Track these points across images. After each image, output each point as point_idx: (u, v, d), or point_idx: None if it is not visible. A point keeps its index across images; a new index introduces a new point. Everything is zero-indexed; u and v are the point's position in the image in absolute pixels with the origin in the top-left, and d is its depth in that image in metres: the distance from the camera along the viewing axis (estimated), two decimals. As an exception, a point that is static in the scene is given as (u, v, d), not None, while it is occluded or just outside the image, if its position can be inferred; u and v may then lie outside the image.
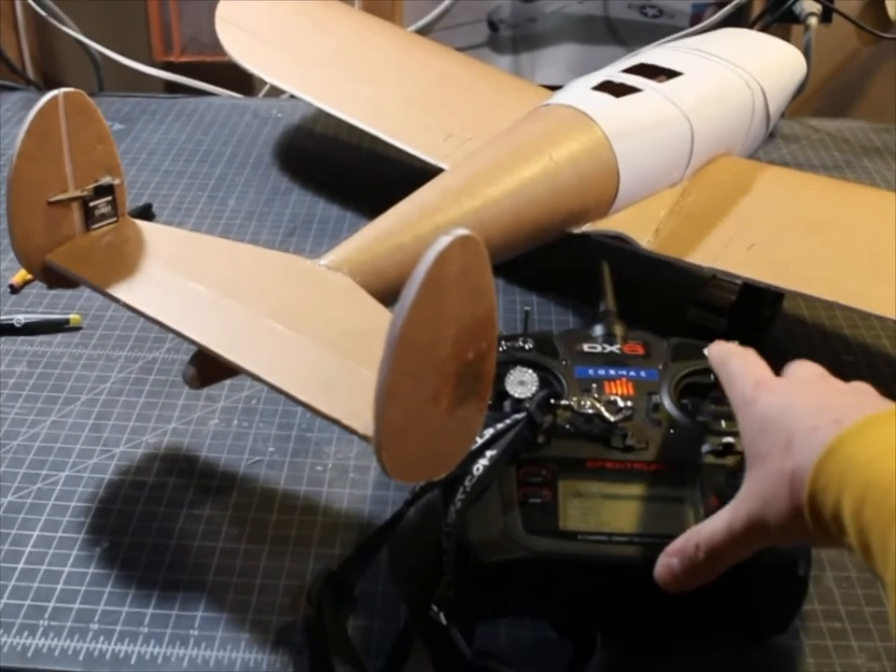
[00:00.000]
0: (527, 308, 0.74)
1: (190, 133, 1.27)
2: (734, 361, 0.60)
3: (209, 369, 0.63)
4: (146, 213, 1.07)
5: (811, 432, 0.50)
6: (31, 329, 0.90)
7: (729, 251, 0.83)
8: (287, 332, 0.60)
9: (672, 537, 0.58)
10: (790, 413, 0.53)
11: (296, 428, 0.79)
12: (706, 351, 0.65)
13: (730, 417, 0.62)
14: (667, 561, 0.55)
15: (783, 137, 1.27)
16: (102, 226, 0.70)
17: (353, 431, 0.53)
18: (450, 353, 0.50)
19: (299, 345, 0.59)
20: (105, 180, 0.69)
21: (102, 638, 0.63)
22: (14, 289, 0.95)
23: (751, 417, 0.55)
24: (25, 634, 0.63)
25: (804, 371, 0.58)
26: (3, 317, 0.90)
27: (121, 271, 0.66)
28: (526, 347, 0.68)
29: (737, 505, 0.53)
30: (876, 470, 0.46)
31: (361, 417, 0.51)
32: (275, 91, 1.42)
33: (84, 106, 0.67)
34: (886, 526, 0.44)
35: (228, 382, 0.79)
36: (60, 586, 0.67)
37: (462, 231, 0.48)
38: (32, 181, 0.65)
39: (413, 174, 0.95)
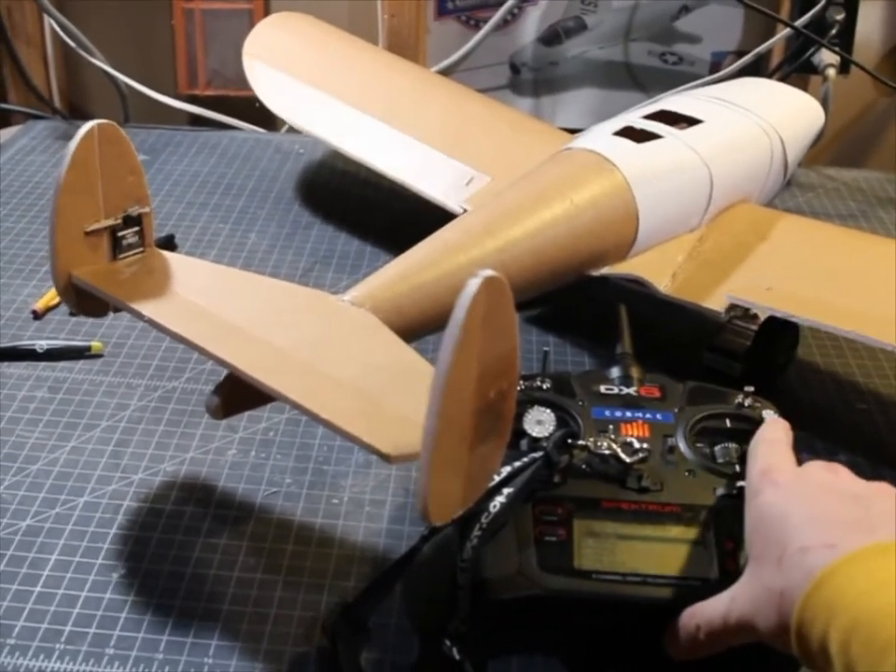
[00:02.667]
0: (546, 349, 0.75)
1: (214, 165, 1.28)
2: (761, 447, 0.60)
3: (232, 398, 0.64)
4: (168, 243, 1.08)
5: (803, 553, 0.50)
6: (52, 355, 0.91)
7: (745, 296, 0.84)
8: (311, 364, 0.60)
9: (685, 578, 0.59)
10: (786, 520, 0.52)
11: (313, 461, 0.80)
12: (764, 414, 0.65)
13: (745, 460, 0.63)
14: (672, 633, 0.57)
15: (799, 185, 1.28)
16: (129, 255, 0.71)
17: (374, 450, 0.53)
18: (474, 392, 0.51)
19: (322, 377, 0.59)
20: (134, 210, 0.70)
21: (117, 664, 0.64)
22: (37, 315, 0.96)
23: (752, 510, 0.55)
24: (41, 657, 0.64)
25: (814, 468, 0.57)
26: (25, 343, 0.91)
27: (147, 294, 0.67)
28: (544, 387, 0.68)
29: (734, 599, 0.54)
30: (865, 606, 0.45)
31: (382, 440, 0.52)
32: (298, 127, 1.45)
33: (117, 138, 0.68)
34: (874, 663, 0.44)
35: (247, 414, 0.80)
36: (76, 610, 0.67)
37: (488, 272, 0.49)
38: (72, 212, 0.66)
39: (433, 211, 0.96)
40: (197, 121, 1.46)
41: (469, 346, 0.48)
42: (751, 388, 0.67)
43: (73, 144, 0.65)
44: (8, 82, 1.45)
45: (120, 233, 0.70)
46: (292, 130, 1.45)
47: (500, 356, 0.52)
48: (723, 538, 0.60)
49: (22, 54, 1.44)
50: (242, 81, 1.22)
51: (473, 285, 0.48)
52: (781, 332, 0.88)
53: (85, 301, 0.69)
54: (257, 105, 1.19)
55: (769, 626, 0.51)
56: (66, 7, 1.45)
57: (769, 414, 0.65)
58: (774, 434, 0.62)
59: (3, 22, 1.42)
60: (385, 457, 0.52)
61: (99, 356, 0.91)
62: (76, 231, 0.67)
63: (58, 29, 1.42)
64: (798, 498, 0.54)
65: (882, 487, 0.54)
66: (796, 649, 0.49)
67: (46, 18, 1.44)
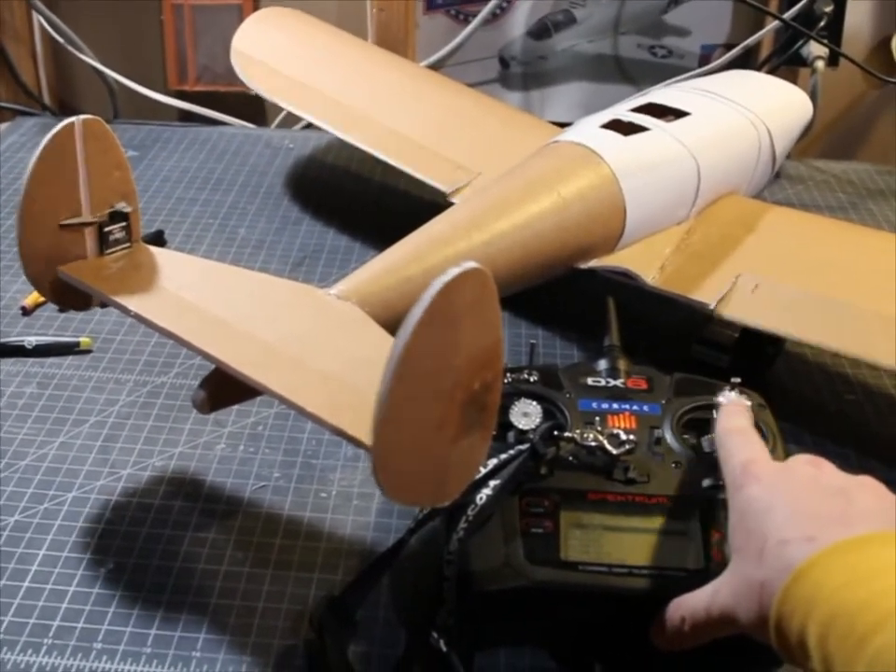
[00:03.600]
0: (533, 341, 0.75)
1: (203, 161, 1.28)
2: (729, 441, 0.60)
3: (219, 393, 0.64)
4: (157, 239, 1.08)
5: (782, 546, 0.50)
6: (41, 351, 0.91)
7: (733, 293, 0.84)
8: (297, 357, 0.61)
9: (671, 569, 0.59)
10: (768, 512, 0.52)
11: (301, 455, 0.80)
12: (719, 399, 0.65)
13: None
14: (659, 624, 0.57)
15: (788, 178, 1.28)
16: (115, 251, 0.71)
17: (356, 441, 0.54)
18: (456, 382, 0.51)
19: (308, 370, 0.59)
20: (121, 206, 0.70)
21: (105, 658, 0.64)
22: (26, 312, 0.96)
23: (736, 503, 0.55)
24: (29, 651, 0.64)
25: (797, 462, 0.57)
26: (14, 339, 0.91)
27: (134, 289, 0.67)
28: (531, 380, 0.68)
29: (717, 591, 0.54)
30: (843, 599, 0.46)
31: (366, 432, 0.52)
32: (288, 122, 1.45)
33: (102, 133, 0.68)
34: (850, 656, 0.44)
35: (235, 408, 0.80)
36: (64, 605, 0.67)
37: (472, 264, 0.49)
38: (43, 203, 0.67)
39: (422, 206, 0.96)
40: (187, 117, 1.46)
41: (442, 332, 0.49)
42: (738, 379, 0.67)
43: (49, 135, 0.65)
44: (-3, 79, 1.45)
45: (107, 229, 0.70)
46: (282, 125, 1.46)
47: (484, 347, 0.52)
48: (710, 529, 0.60)
49: (11, 50, 1.43)
50: (231, 76, 1.22)
51: (450, 273, 0.48)
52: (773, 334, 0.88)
53: (66, 294, 0.69)
54: (252, 93, 1.18)
55: (750, 618, 0.51)
56: (55, 4, 1.44)
57: (727, 397, 0.65)
58: (740, 422, 0.62)
59: (-9, 19, 1.42)
60: (369, 449, 0.52)
61: (88, 351, 0.91)
62: (47, 222, 0.67)
63: (47, 25, 1.42)
64: (780, 492, 0.54)
65: (864, 481, 0.54)
66: (775, 642, 0.49)
67: (34, 14, 1.43)
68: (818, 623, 0.46)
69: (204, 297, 0.67)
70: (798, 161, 1.33)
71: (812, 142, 1.40)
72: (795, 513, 0.51)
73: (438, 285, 0.48)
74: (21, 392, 0.86)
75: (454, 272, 0.48)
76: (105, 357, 0.91)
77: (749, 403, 0.64)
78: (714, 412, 0.65)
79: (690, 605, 0.55)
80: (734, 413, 0.63)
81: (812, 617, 0.46)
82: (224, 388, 0.63)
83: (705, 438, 0.65)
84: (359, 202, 1.20)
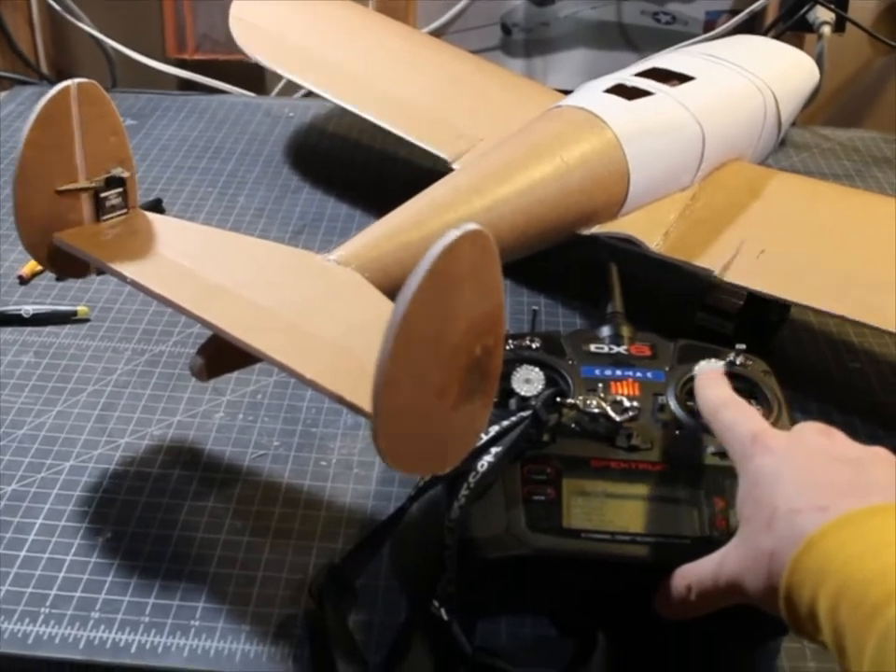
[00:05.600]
0: (535, 307, 0.74)
1: (202, 129, 1.27)
2: (726, 413, 0.59)
3: (216, 360, 0.63)
4: (156, 207, 1.07)
5: (793, 514, 0.49)
6: (39, 320, 0.90)
7: (738, 259, 0.83)
8: (295, 323, 0.60)
9: (675, 537, 0.58)
10: (779, 482, 0.52)
11: (301, 423, 0.79)
12: (695, 370, 0.64)
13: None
14: (664, 593, 0.56)
15: (794, 145, 1.27)
16: (112, 217, 0.70)
17: (356, 408, 0.53)
18: (457, 347, 0.50)
19: (306, 335, 0.59)
20: (117, 172, 0.69)
21: (102, 627, 0.63)
22: (23, 280, 0.95)
23: (746, 474, 0.54)
24: (26, 621, 0.64)
25: (809, 431, 0.56)
26: (11, 308, 0.90)
27: (131, 255, 0.66)
28: (533, 346, 0.68)
29: (724, 560, 0.53)
30: (855, 570, 0.45)
31: (365, 398, 0.51)
32: (288, 91, 1.43)
33: (98, 98, 0.67)
34: (862, 627, 0.43)
35: (234, 376, 0.80)
36: (62, 574, 0.67)
37: (472, 226, 0.48)
38: (39, 169, 0.65)
39: (422, 174, 0.95)
40: (186, 86, 1.44)
41: (442, 296, 0.48)
42: (743, 346, 0.66)
43: (44, 99, 0.64)
44: (-6, 47, 1.44)
45: (103, 195, 0.69)
46: (282, 93, 1.44)
47: (485, 311, 0.51)
48: (713, 496, 0.60)
49: (8, 19, 1.42)
50: (231, 45, 1.21)
51: (451, 236, 0.47)
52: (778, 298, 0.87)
53: (62, 262, 0.68)
54: (252, 61, 1.17)
55: (758, 588, 0.50)
56: (52, -29, 1.43)
57: (702, 367, 0.65)
58: (725, 391, 0.61)
59: (-13, -13, 1.41)
60: (368, 415, 0.52)
61: (86, 320, 0.90)
62: (43, 188, 0.66)
63: (43, -7, 1.41)
64: (791, 462, 0.53)
65: (878, 451, 0.53)
66: (785, 613, 0.48)
67: (31, -19, 1.42)
68: (828, 594, 0.45)
69: (202, 263, 0.66)
70: (803, 129, 1.32)
71: (818, 109, 1.39)
72: (807, 483, 0.51)
73: (438, 247, 0.47)
74: (17, 361, 0.85)
75: (454, 234, 0.47)
76: (103, 325, 0.90)
77: (722, 368, 0.64)
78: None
79: (696, 573, 0.55)
80: (713, 382, 0.62)
81: (823, 587, 0.45)
82: (222, 355, 0.63)
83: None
84: (360, 170, 1.19)
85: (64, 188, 0.67)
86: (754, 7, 1.37)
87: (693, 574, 0.55)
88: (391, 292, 0.65)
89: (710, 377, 0.63)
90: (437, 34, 1.41)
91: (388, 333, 0.47)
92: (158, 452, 0.76)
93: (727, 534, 0.57)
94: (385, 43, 1.18)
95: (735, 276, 0.82)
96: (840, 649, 0.44)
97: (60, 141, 0.66)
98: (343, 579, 0.64)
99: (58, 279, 0.94)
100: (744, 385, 0.64)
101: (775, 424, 0.62)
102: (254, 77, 1.47)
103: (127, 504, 0.72)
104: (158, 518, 0.71)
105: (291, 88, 1.38)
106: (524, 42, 1.46)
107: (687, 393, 0.65)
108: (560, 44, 1.45)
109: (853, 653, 0.43)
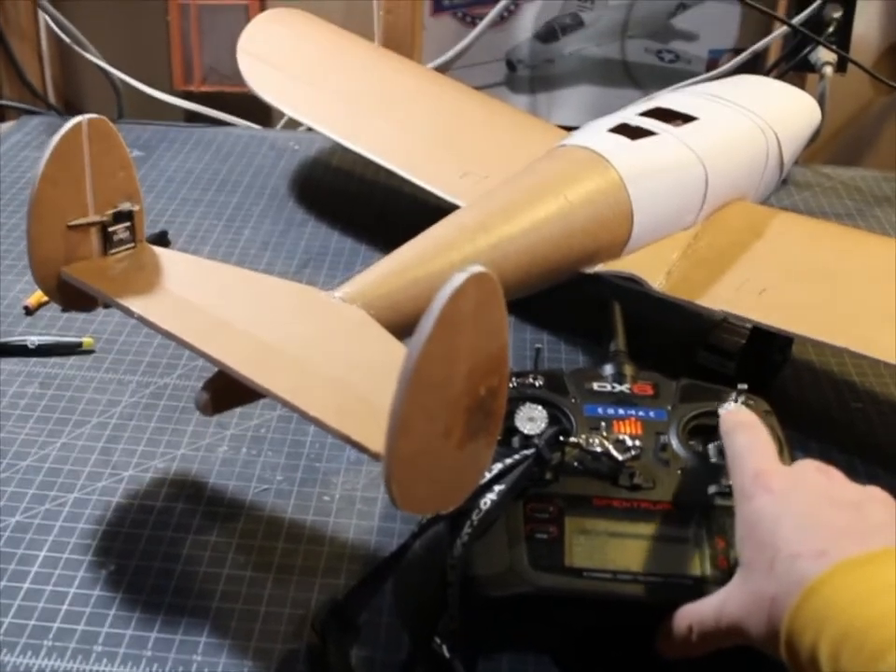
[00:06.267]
0: (538, 346, 0.74)
1: (208, 162, 1.28)
2: (740, 436, 0.59)
3: (222, 395, 0.63)
4: (161, 240, 1.08)
5: (793, 559, 0.49)
6: (44, 351, 0.90)
7: (740, 295, 0.83)
8: (301, 361, 0.60)
9: (676, 576, 0.58)
10: (779, 525, 0.52)
11: (304, 458, 0.80)
12: (720, 411, 0.65)
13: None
14: (665, 632, 0.57)
15: (796, 184, 1.28)
16: (120, 251, 0.70)
17: (362, 448, 0.53)
18: (462, 389, 0.50)
19: (312, 373, 0.59)
20: (125, 206, 0.70)
21: (105, 661, 0.63)
22: (29, 311, 0.96)
23: (744, 514, 0.55)
24: (29, 654, 0.64)
25: (809, 470, 0.56)
26: (17, 338, 0.91)
27: (138, 290, 0.67)
28: (537, 384, 0.68)
29: (726, 602, 0.54)
30: (855, 615, 0.45)
31: (372, 438, 0.52)
32: (293, 124, 1.44)
33: (107, 133, 0.68)
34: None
35: (238, 410, 0.80)
36: (65, 607, 0.67)
37: (478, 268, 0.48)
38: (53, 204, 0.66)
39: (427, 209, 0.95)
40: (192, 118, 1.45)
41: (450, 339, 0.48)
42: (745, 386, 0.67)
43: (57, 136, 0.65)
44: (2, 77, 1.44)
45: (111, 229, 0.69)
46: (288, 126, 1.45)
47: (490, 353, 0.51)
48: (715, 536, 0.60)
49: (17, 49, 1.43)
50: (237, 77, 1.22)
51: (458, 279, 0.47)
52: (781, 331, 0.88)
53: (71, 296, 0.69)
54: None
55: (760, 632, 0.50)
56: (61, 3, 1.44)
57: (729, 407, 0.65)
58: (748, 416, 0.61)
59: (-3, 17, 1.42)
60: (375, 455, 0.52)
61: (90, 351, 0.91)
62: (56, 223, 0.66)
63: (52, 24, 1.42)
64: (791, 504, 0.53)
65: (875, 494, 0.54)
66: (786, 658, 0.48)
67: (40, 13, 1.43)
68: (829, 641, 0.45)
69: (207, 298, 0.66)
70: (805, 168, 1.33)
71: (820, 148, 1.40)
72: (806, 526, 0.51)
73: (446, 291, 0.47)
74: (23, 392, 0.86)
75: (461, 277, 0.48)
76: (108, 357, 0.90)
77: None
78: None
79: (697, 614, 0.55)
80: (748, 417, 0.62)
81: (824, 634, 0.46)
82: (227, 391, 0.63)
83: (711, 444, 0.65)
84: (364, 204, 1.20)
85: (76, 222, 0.68)
86: (757, 46, 1.39)
87: (694, 614, 0.55)
88: (397, 330, 0.65)
89: (746, 414, 0.63)
90: (442, 69, 1.43)
91: (402, 379, 0.48)
92: (161, 485, 0.77)
93: (728, 573, 0.57)
94: (389, 80, 1.19)
95: (736, 310, 0.82)
96: None
97: (72, 176, 0.67)
98: (345, 615, 0.64)
99: (63, 310, 0.94)
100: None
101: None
102: (260, 109, 1.48)
103: (130, 537, 0.72)
104: (161, 551, 0.71)
105: (297, 121, 1.39)
106: (528, 78, 1.47)
107: (689, 432, 0.66)
108: (564, 81, 1.46)
109: None
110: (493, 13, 1.41)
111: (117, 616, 0.66)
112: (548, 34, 1.44)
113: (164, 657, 0.64)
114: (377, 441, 0.51)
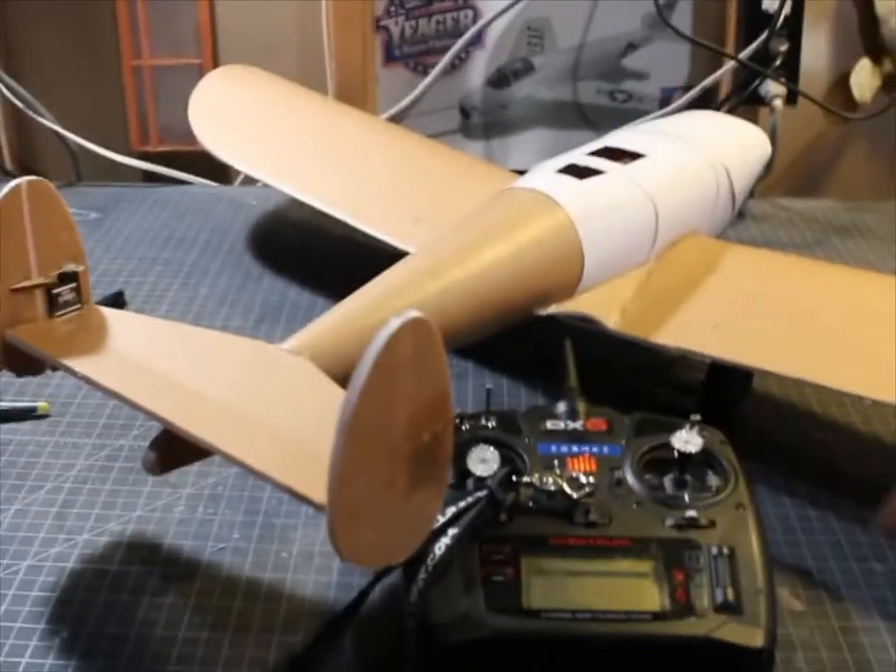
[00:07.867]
0: (489, 387, 0.74)
1: (166, 220, 1.28)
2: None
3: (168, 453, 0.62)
4: (117, 300, 1.07)
5: None
6: (-1, 418, 0.89)
7: (694, 331, 0.83)
8: (245, 414, 0.59)
9: (635, 612, 0.58)
10: None
11: (262, 514, 0.79)
12: (672, 441, 0.64)
13: (693, 490, 0.62)
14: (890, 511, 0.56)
15: (754, 217, 1.28)
16: (65, 313, 0.69)
17: (306, 499, 0.52)
18: (403, 436, 0.50)
19: (257, 426, 0.58)
20: (69, 267, 0.69)
21: (59, 731, 0.62)
22: (-18, 378, 0.95)
23: None
24: (-19, 728, 0.62)
25: None
26: (-30, 405, 0.90)
27: (83, 351, 0.66)
28: (489, 425, 0.68)
29: None
30: None
31: (314, 489, 0.51)
32: (251, 180, 1.43)
33: (48, 195, 0.67)
34: None
35: (194, 468, 0.79)
36: (17, 678, 0.65)
37: (414, 314, 0.48)
38: None
39: (385, 260, 0.95)
40: (151, 177, 1.45)
41: (387, 386, 0.48)
42: (698, 417, 0.67)
43: None
44: (-42, 144, 1.45)
45: (56, 291, 0.69)
46: (246, 182, 1.46)
47: (432, 398, 0.51)
48: (672, 568, 0.60)
49: (-29, 116, 1.43)
50: (194, 136, 1.22)
51: (393, 324, 0.47)
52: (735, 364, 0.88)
53: (18, 359, 0.68)
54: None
55: None
56: (13, 68, 1.45)
57: (682, 436, 0.65)
58: None
59: (-50, 85, 1.42)
60: (318, 507, 0.51)
61: (46, 416, 0.90)
62: (0, 288, 0.66)
63: (5, 90, 1.42)
64: None
65: None
66: None
67: (-7, 80, 1.43)
68: None
69: (153, 356, 0.66)
70: (763, 200, 1.33)
71: (776, 180, 1.41)
72: None
73: (381, 338, 0.47)
74: (-24, 460, 0.85)
75: (395, 323, 0.48)
76: (63, 420, 0.89)
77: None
78: (676, 451, 0.64)
79: None
80: None
81: None
82: (174, 449, 0.62)
83: (667, 477, 0.65)
84: (322, 256, 1.19)
85: (19, 285, 0.67)
86: (707, 82, 1.40)
87: None
88: (345, 379, 0.65)
89: None
90: (396, 119, 1.43)
91: (339, 428, 0.47)
92: (117, 548, 0.75)
93: (687, 606, 0.57)
94: (343, 132, 1.19)
95: (690, 346, 0.82)
96: None
97: (13, 239, 0.66)
98: (304, 670, 0.63)
99: (17, 376, 0.93)
100: (700, 454, 0.65)
101: (731, 494, 0.62)
102: (218, 166, 1.47)
103: (84, 602, 0.71)
104: (115, 616, 0.69)
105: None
106: (482, 124, 1.48)
107: (644, 466, 0.65)
108: (518, 125, 1.47)
109: None
110: (444, 61, 1.43)
111: (71, 685, 0.65)
112: (500, 79, 1.45)
113: (120, 724, 0.62)
114: (320, 492, 0.50)
